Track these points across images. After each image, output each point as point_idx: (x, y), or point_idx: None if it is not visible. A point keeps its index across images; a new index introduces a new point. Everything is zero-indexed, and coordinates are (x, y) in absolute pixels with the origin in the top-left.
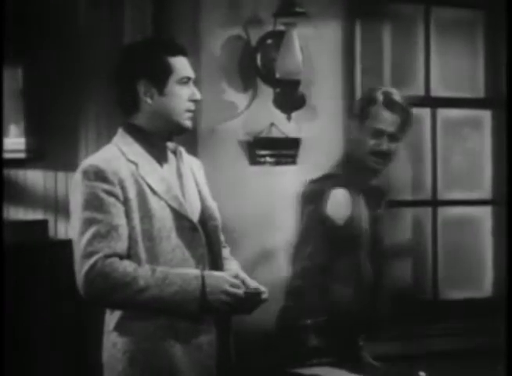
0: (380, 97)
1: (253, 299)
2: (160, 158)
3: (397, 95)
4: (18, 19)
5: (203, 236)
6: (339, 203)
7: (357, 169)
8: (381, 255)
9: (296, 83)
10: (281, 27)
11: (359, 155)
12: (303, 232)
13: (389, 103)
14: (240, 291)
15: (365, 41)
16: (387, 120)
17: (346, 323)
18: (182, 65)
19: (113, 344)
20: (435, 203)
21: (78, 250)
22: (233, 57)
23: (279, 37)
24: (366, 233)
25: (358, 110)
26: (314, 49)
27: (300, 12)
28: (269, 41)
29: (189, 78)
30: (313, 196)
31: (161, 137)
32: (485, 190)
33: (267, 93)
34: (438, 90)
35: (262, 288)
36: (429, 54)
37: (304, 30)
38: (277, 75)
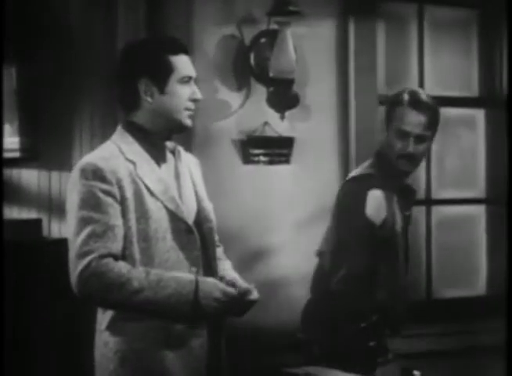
0: (405, 97)
1: (244, 303)
2: (159, 158)
3: (423, 95)
4: (12, 18)
5: (198, 239)
6: (377, 204)
7: (389, 170)
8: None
9: (290, 82)
10: (275, 26)
11: (389, 157)
12: (341, 233)
13: (415, 103)
14: (232, 297)
15: (359, 40)
16: (413, 121)
17: (390, 323)
18: (183, 64)
19: (105, 343)
20: (429, 202)
21: (73, 249)
22: (227, 56)
23: (272, 36)
24: (401, 234)
25: (385, 111)
26: (308, 48)
27: (294, 11)
28: (263, 40)
29: (190, 77)
30: (351, 196)
31: (160, 136)
32: (479, 189)
33: (261, 92)
34: (431, 89)
35: (254, 292)
36: (423, 53)
37: (297, 29)
38: (271, 74)
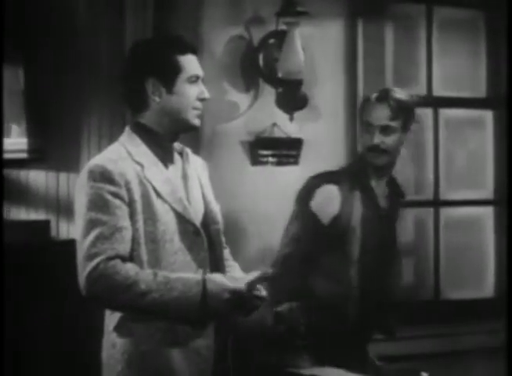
0: (374, 94)
1: (251, 301)
2: (166, 159)
3: (394, 92)
4: (19, 19)
5: (206, 240)
6: (325, 200)
7: (361, 166)
8: (387, 256)
9: (298, 83)
10: (283, 27)
11: (361, 152)
12: (289, 223)
13: (381, 97)
14: (239, 294)
15: (367, 40)
16: (377, 112)
17: (330, 320)
18: (191, 63)
19: (113, 344)
20: (437, 203)
21: (81, 251)
22: (235, 57)
23: (281, 36)
24: (356, 232)
25: (358, 110)
26: (316, 49)
27: (302, 11)
28: (271, 41)
29: (197, 77)
30: (303, 193)
31: (168, 137)
32: (487, 190)
33: (269, 93)
34: (440, 90)
35: (262, 292)
36: (431, 54)
37: (306, 30)
38: (279, 75)
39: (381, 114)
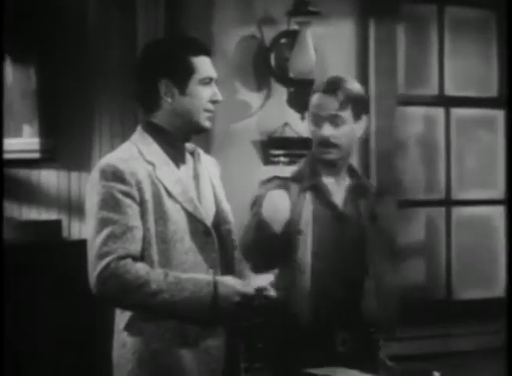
0: (321, 84)
1: (261, 307)
2: (178, 159)
3: (342, 81)
4: (31, 18)
5: (217, 240)
6: (274, 206)
7: (311, 165)
8: (350, 259)
9: (310, 82)
10: (295, 27)
11: (312, 151)
12: (244, 237)
13: (328, 87)
14: (250, 295)
15: (379, 40)
16: (324, 103)
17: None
18: (204, 65)
19: (123, 344)
20: (449, 202)
21: (93, 249)
22: (247, 57)
23: (292, 36)
24: (306, 236)
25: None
26: (328, 49)
27: (314, 11)
28: (283, 41)
29: (210, 78)
30: (253, 201)
31: (180, 137)
32: (499, 190)
33: (281, 93)
34: (451, 89)
35: (271, 292)
36: (443, 53)
37: (318, 30)
38: (291, 75)
39: (329, 104)
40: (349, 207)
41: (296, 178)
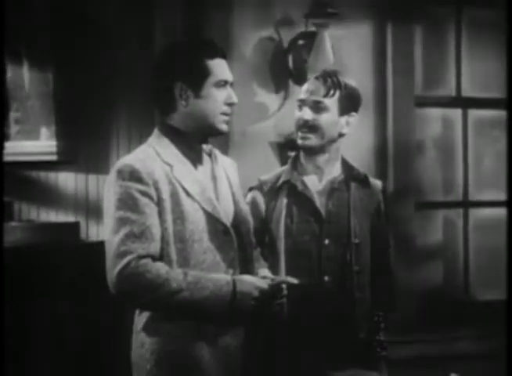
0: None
1: (276, 303)
2: (195, 160)
3: (337, 72)
4: (48, 21)
5: (235, 240)
6: (251, 208)
7: (296, 161)
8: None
9: None
10: (313, 28)
11: (295, 135)
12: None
13: (319, 74)
14: (268, 291)
15: (396, 41)
16: (309, 88)
17: None
18: (219, 68)
19: (142, 344)
20: (466, 204)
21: (111, 248)
22: (265, 58)
23: (310, 37)
24: (279, 237)
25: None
26: (346, 50)
27: (332, 12)
28: (301, 42)
29: (226, 81)
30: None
31: (197, 139)
32: None
33: (298, 94)
34: (468, 90)
35: (284, 291)
36: (460, 54)
37: (335, 31)
38: (309, 76)
39: (315, 89)
40: (332, 201)
41: (273, 178)
